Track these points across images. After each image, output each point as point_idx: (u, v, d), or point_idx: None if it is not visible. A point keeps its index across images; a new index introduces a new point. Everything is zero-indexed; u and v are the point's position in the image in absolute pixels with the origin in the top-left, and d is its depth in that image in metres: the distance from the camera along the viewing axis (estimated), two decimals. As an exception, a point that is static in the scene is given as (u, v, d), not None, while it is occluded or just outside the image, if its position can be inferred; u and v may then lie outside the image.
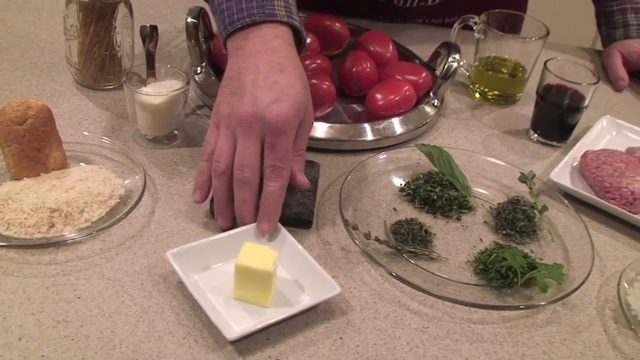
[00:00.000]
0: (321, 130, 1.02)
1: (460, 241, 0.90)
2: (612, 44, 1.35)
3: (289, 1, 0.89)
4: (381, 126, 1.04)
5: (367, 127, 1.04)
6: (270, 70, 0.82)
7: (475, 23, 1.15)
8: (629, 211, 0.96)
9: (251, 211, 0.83)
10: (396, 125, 1.05)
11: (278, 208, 0.82)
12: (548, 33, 1.13)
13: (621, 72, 1.30)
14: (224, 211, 0.84)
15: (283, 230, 0.83)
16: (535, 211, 0.93)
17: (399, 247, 0.85)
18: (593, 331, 0.81)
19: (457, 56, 1.10)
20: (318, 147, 1.01)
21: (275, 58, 0.83)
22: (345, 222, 0.86)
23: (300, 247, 0.81)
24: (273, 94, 0.80)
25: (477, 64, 1.18)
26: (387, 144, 1.04)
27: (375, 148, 1.03)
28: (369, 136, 1.03)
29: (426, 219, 0.92)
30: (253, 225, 0.82)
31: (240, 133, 0.81)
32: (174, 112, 0.96)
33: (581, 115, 1.08)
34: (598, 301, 0.85)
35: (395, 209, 0.93)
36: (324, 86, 1.03)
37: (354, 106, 1.11)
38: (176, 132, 0.99)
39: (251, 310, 0.75)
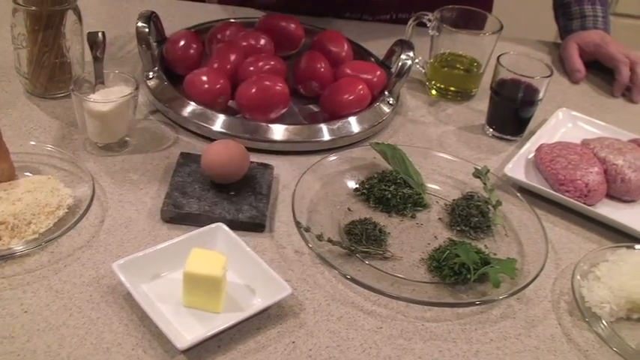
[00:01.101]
0: (276, 131, 1.01)
1: (414, 239, 0.90)
2: (569, 36, 1.35)
3: None
4: (336, 126, 1.03)
5: (323, 127, 1.03)
6: None
7: (429, 20, 1.14)
8: (584, 203, 0.96)
9: None
10: (352, 124, 1.05)
11: None
12: (501, 27, 1.14)
13: (578, 64, 1.31)
14: None
15: (232, 234, 0.82)
16: (489, 207, 0.93)
17: (353, 248, 0.85)
18: (548, 325, 0.81)
19: (411, 54, 1.10)
20: (273, 149, 1.01)
21: None
22: (298, 224, 0.85)
23: (249, 250, 0.80)
24: None
25: (432, 60, 1.18)
26: (342, 143, 1.03)
27: (331, 148, 1.02)
28: (325, 137, 1.03)
29: (380, 218, 0.92)
30: (202, 230, 0.82)
31: None
32: (124, 119, 0.95)
33: (535, 109, 1.08)
34: (553, 295, 0.85)
35: (349, 209, 0.93)
36: (278, 88, 1.02)
37: (311, 106, 1.11)
38: (128, 139, 0.98)
39: (202, 317, 0.75)
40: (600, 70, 1.34)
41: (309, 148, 1.02)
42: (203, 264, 0.74)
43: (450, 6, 1.17)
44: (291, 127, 1.02)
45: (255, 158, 0.98)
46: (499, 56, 1.07)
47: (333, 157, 0.98)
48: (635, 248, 0.89)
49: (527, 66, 1.07)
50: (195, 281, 0.74)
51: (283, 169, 0.98)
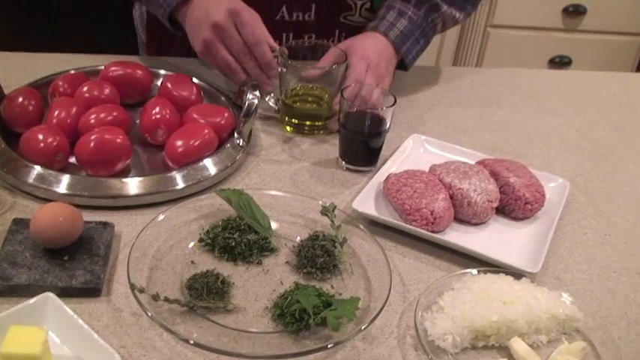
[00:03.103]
0: (120, 186, 0.98)
1: (260, 286, 0.88)
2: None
3: None
4: (183, 174, 1.01)
5: (170, 176, 1.01)
6: None
7: (275, 57, 1.13)
8: (432, 231, 0.96)
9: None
10: (201, 170, 1.03)
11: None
12: (346, 59, 1.14)
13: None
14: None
15: (61, 304, 0.78)
16: (336, 244, 0.92)
17: (192, 304, 0.82)
18: (393, 363, 0.80)
19: (257, 93, 1.08)
20: (118, 205, 0.98)
21: None
22: (131, 286, 0.82)
23: (77, 319, 0.77)
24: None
25: (282, 97, 1.17)
26: (191, 192, 1.01)
27: (179, 198, 0.99)
28: (175, 185, 1.00)
29: (225, 268, 0.90)
30: (28, 303, 0.78)
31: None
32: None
33: (383, 139, 1.08)
34: (399, 330, 0.84)
35: (193, 262, 0.90)
36: (118, 140, 1.00)
37: (162, 154, 1.08)
38: (-42, 208, 0.93)
39: (26, 398, 0.71)
40: (457, 92, 1.36)
41: (157, 199, 0.99)
42: (20, 342, 0.70)
43: (294, 41, 1.17)
44: (135, 179, 0.99)
45: (99, 216, 0.95)
46: (342, 89, 1.07)
47: (179, 207, 0.96)
48: (477, 274, 0.90)
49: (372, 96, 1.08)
50: (13, 362, 0.70)
51: (127, 224, 0.95)
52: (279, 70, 1.14)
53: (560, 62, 2.69)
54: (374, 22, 1.26)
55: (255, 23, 1.10)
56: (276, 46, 1.13)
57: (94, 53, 1.33)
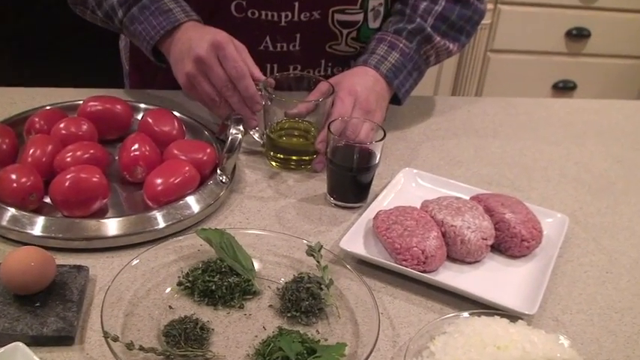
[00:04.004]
0: (97, 227, 0.93)
1: (241, 332, 0.83)
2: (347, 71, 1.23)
3: (181, 3, 1.16)
4: (163, 213, 0.97)
5: (151, 215, 0.96)
6: (203, 30, 1.12)
7: (259, 90, 1.09)
8: (423, 271, 0.91)
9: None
10: (183, 209, 0.98)
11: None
12: (333, 91, 1.10)
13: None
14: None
15: (31, 354, 0.73)
16: (322, 286, 0.87)
17: (168, 353, 0.78)
18: (382, 415, 0.75)
19: (241, 127, 1.05)
20: (94, 247, 0.93)
21: (202, 28, 1.12)
22: (105, 334, 0.77)
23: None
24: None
25: (267, 131, 1.13)
26: (171, 232, 0.96)
27: (159, 238, 0.95)
28: (156, 225, 0.96)
29: (205, 313, 0.85)
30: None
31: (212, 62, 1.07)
32: None
33: (373, 174, 1.04)
34: (388, 378, 0.80)
35: (171, 307, 0.85)
36: (95, 179, 0.96)
37: (141, 192, 1.03)
38: None
39: None
40: (452, 123, 1.33)
41: (135, 240, 0.95)
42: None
43: (279, 74, 1.14)
44: (113, 220, 0.95)
45: (74, 259, 0.90)
46: (329, 123, 1.03)
47: (157, 249, 0.91)
48: (470, 316, 0.85)
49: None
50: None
51: (103, 267, 0.91)
52: (264, 103, 1.10)
53: (564, 87, 2.64)
54: (364, 55, 1.21)
55: (239, 56, 1.07)
56: (261, 77, 1.09)
57: (76, 83, 1.29)
